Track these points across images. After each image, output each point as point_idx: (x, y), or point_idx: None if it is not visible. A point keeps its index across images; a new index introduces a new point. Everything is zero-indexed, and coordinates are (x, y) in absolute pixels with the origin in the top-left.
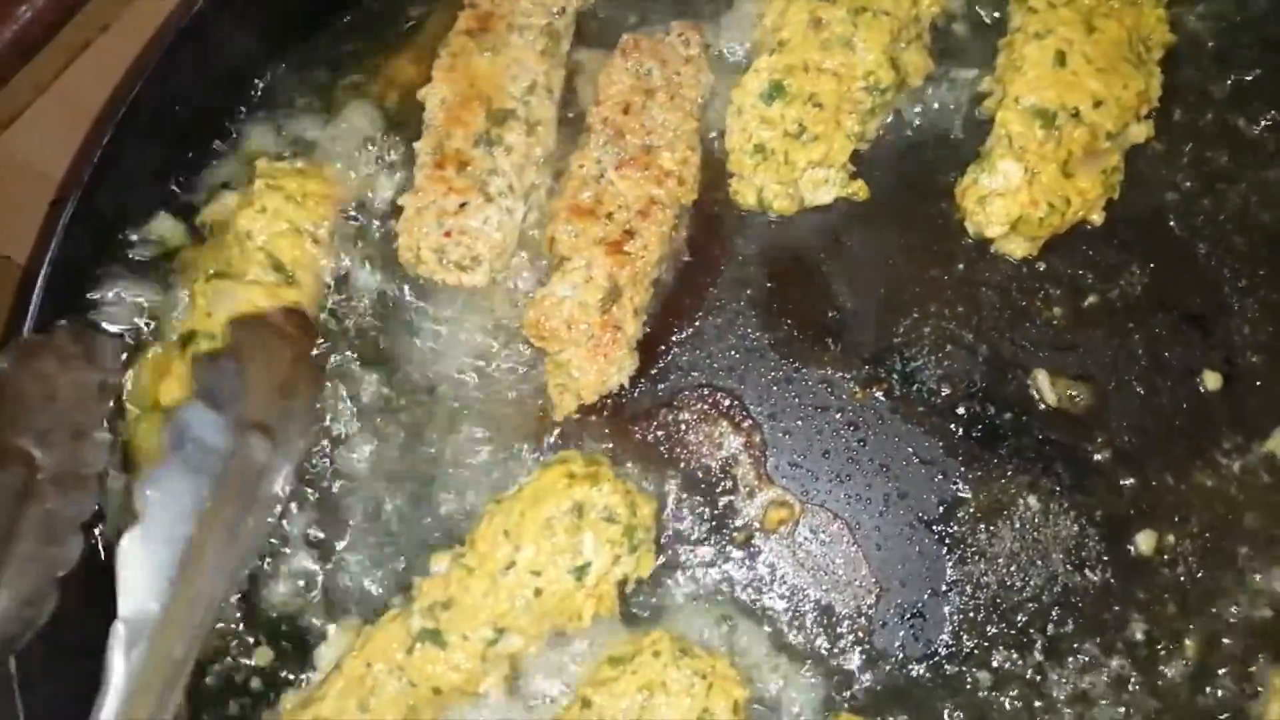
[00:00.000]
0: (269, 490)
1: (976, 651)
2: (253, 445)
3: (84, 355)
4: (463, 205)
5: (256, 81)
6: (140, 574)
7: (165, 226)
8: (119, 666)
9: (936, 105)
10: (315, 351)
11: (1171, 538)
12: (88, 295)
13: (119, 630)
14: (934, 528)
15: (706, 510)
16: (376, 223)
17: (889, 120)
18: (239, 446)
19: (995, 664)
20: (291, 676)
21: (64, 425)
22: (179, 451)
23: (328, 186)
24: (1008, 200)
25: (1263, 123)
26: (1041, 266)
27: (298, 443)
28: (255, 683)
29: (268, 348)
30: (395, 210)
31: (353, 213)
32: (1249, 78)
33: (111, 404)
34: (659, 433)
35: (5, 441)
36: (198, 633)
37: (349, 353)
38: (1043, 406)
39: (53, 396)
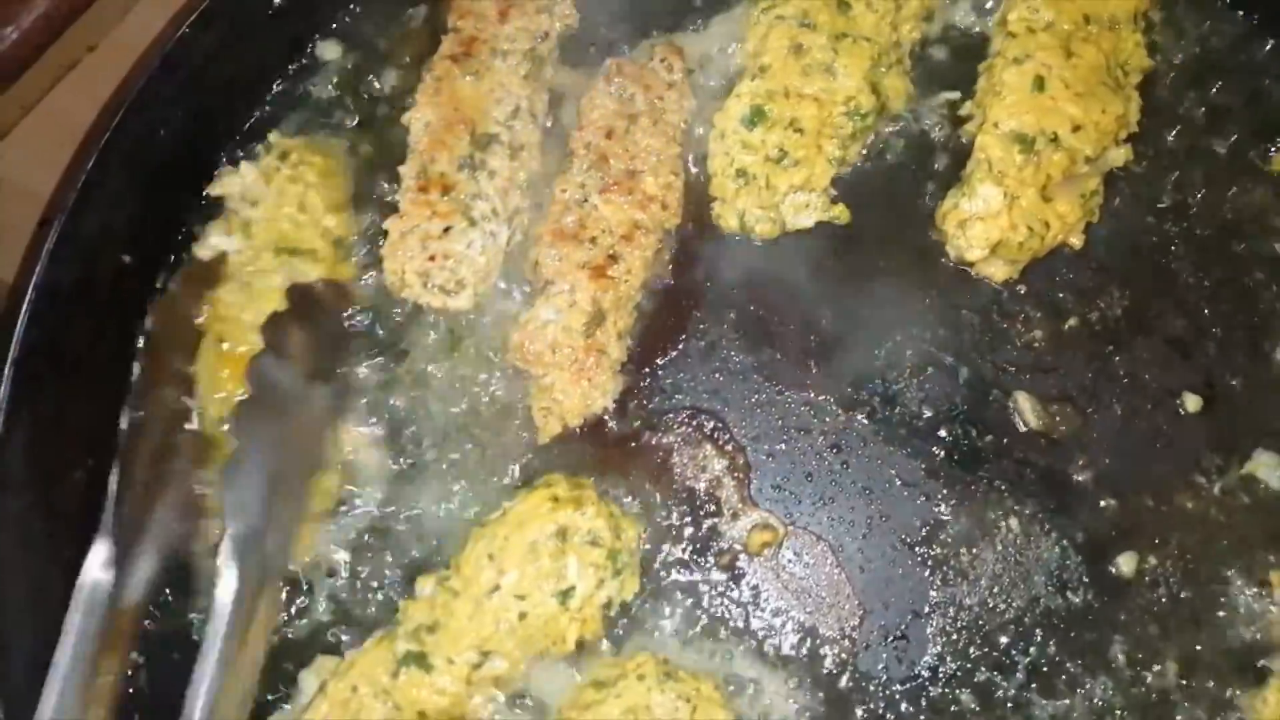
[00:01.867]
0: (331, 431)
1: (960, 673)
2: (316, 390)
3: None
4: (447, 229)
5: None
6: (241, 496)
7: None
8: (232, 573)
9: (917, 130)
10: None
11: (1153, 559)
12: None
13: (228, 544)
14: (917, 550)
15: (691, 533)
16: None
17: (870, 145)
18: (305, 391)
19: (978, 685)
20: (271, 697)
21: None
22: (259, 393)
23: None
24: (988, 224)
25: (1238, 146)
26: (1022, 290)
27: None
28: None
29: (318, 310)
30: (380, 234)
31: None
32: (1224, 101)
33: None
34: (643, 456)
35: (169, 362)
36: (289, 543)
37: None
38: (1024, 429)
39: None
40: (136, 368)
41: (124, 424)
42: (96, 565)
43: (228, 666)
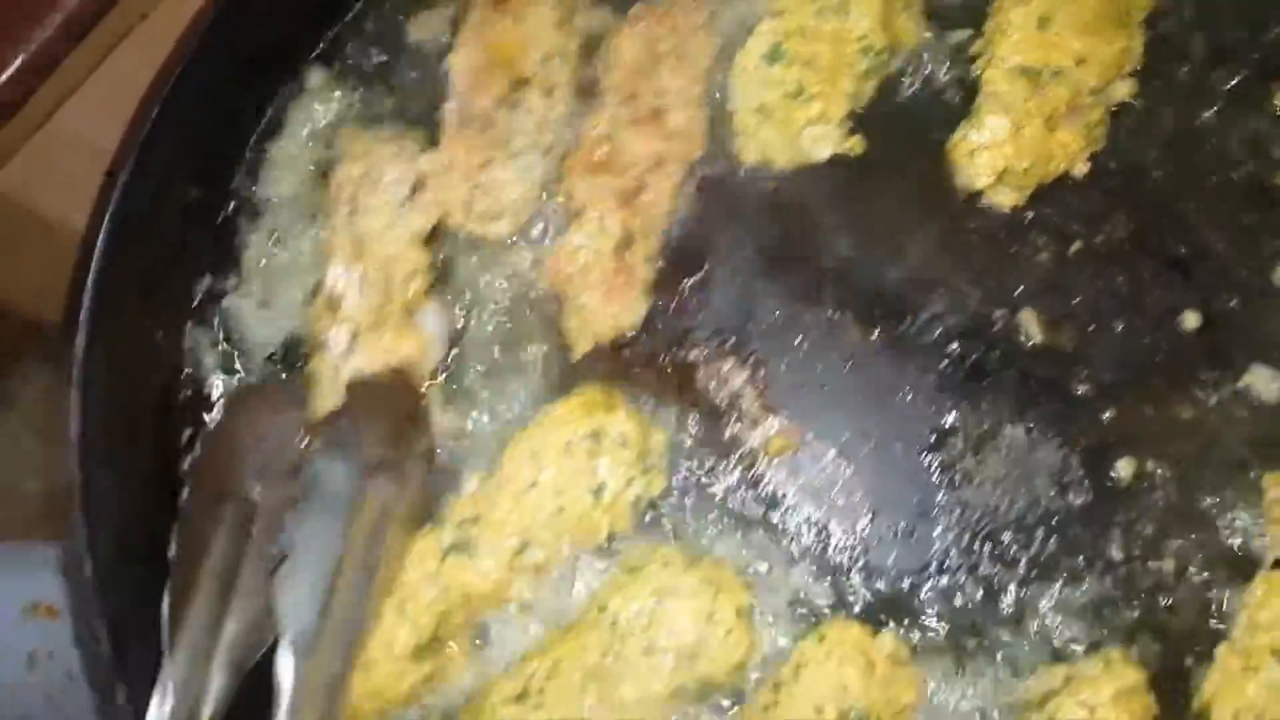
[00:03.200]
0: (395, 522)
1: (965, 567)
2: (377, 483)
3: (290, 399)
4: (486, 162)
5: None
6: (295, 600)
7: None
8: (287, 683)
9: (929, 67)
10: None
11: (1150, 464)
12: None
13: (283, 653)
14: (925, 455)
15: (713, 438)
16: None
17: (883, 82)
18: (363, 487)
19: (982, 577)
20: None
21: (275, 463)
22: (313, 497)
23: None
24: (994, 153)
25: (1240, 79)
26: (1029, 215)
27: (416, 478)
28: None
29: (379, 401)
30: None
31: None
32: (1228, 40)
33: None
34: (669, 369)
35: (226, 484)
36: (350, 649)
37: None
38: (1029, 344)
39: (264, 437)
40: (184, 491)
41: (172, 546)
42: (159, 700)
43: None
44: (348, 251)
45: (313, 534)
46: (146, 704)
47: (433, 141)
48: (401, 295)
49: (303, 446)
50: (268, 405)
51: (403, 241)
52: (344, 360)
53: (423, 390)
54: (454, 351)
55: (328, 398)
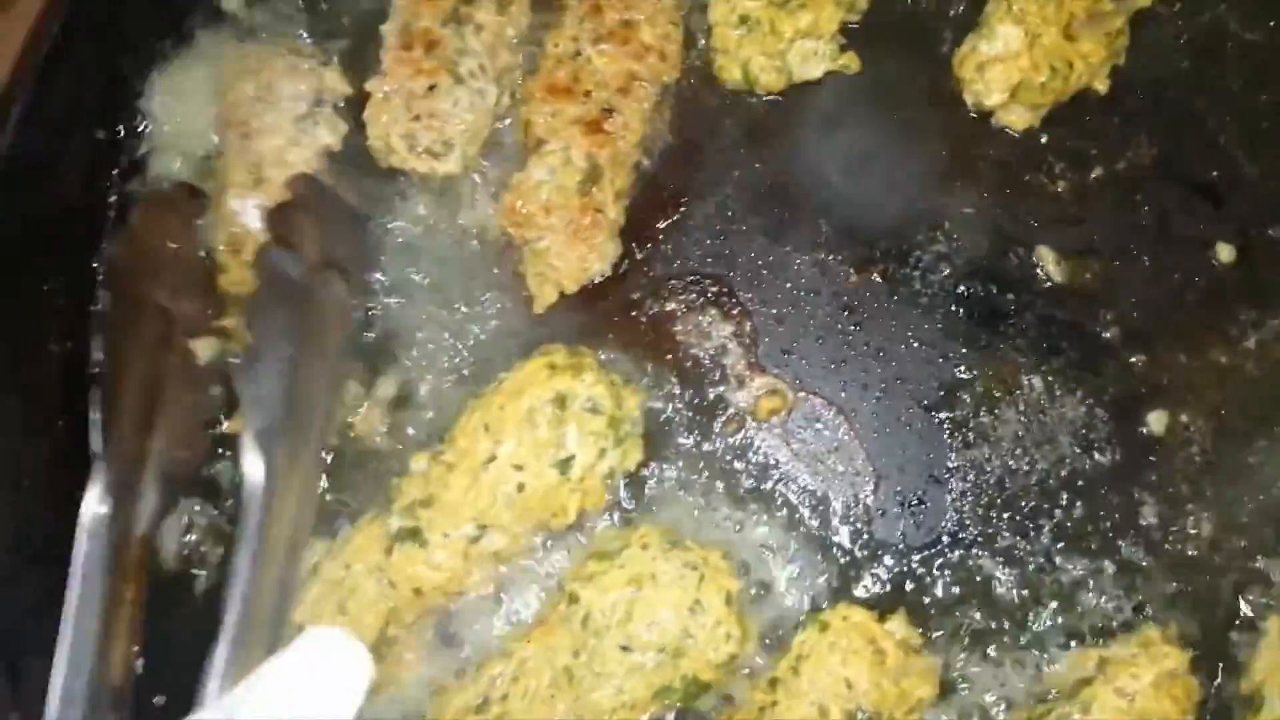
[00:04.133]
0: (349, 319)
1: (981, 539)
2: (329, 279)
3: (202, 205)
4: (431, 88)
5: None
6: (258, 392)
7: None
8: (257, 468)
9: None
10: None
11: (1184, 417)
12: None
13: (249, 440)
14: (934, 413)
15: (696, 401)
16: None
17: None
18: (317, 280)
19: (1001, 550)
20: None
21: (191, 278)
22: (270, 286)
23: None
24: (1007, 65)
25: None
26: (1044, 139)
27: (362, 279)
28: None
29: (322, 200)
30: (361, 98)
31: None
32: None
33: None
34: (644, 323)
35: (143, 295)
36: (321, 436)
37: None
38: (1048, 284)
39: (178, 252)
40: (101, 297)
41: (96, 354)
42: (94, 499)
43: (265, 558)
44: (244, 180)
45: (271, 323)
46: None
47: (327, 54)
48: None
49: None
50: (178, 213)
51: (305, 162)
52: None
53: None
54: (392, 308)
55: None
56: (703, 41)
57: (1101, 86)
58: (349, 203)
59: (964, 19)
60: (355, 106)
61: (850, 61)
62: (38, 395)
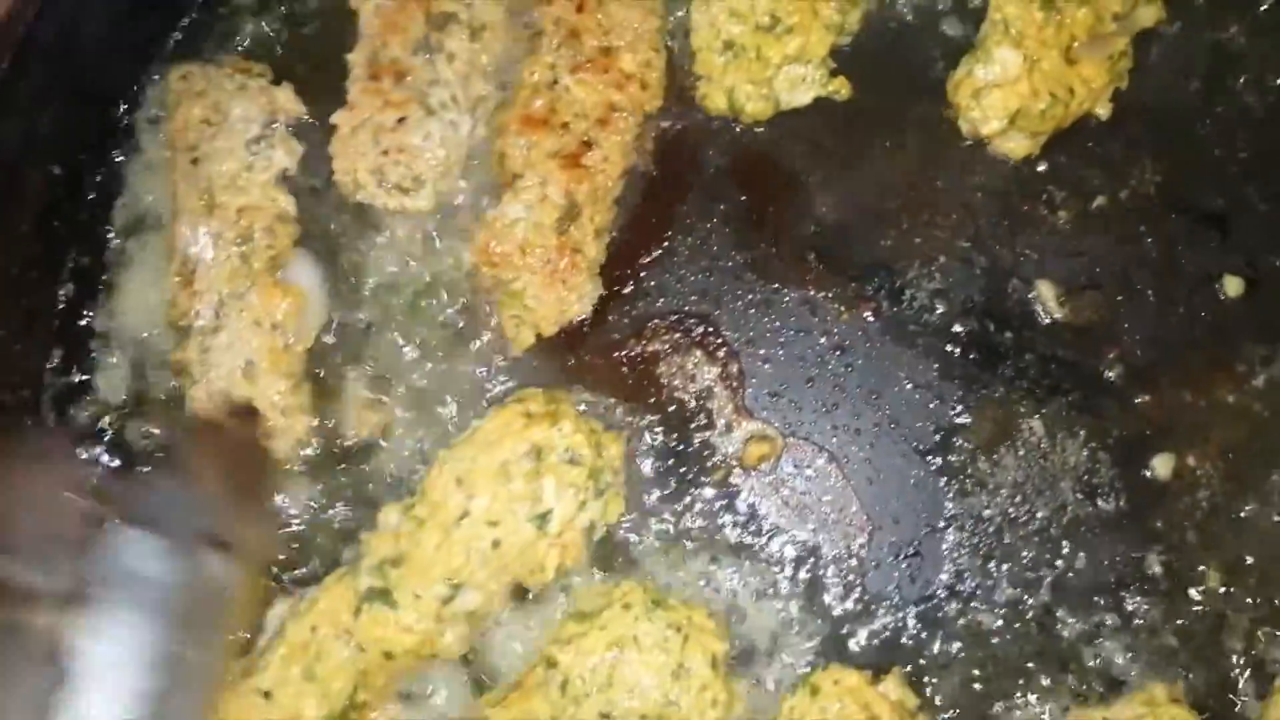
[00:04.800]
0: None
1: (980, 591)
2: (209, 564)
3: (66, 447)
4: (401, 120)
5: None
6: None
7: None
8: None
9: None
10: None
11: (1191, 460)
12: None
13: None
14: (930, 458)
15: (681, 449)
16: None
17: (872, 10)
18: (191, 570)
19: (1001, 604)
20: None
21: (50, 540)
22: (112, 586)
23: None
24: (1006, 91)
25: None
26: (1043, 167)
27: (260, 551)
28: None
29: (214, 450)
30: (328, 130)
31: None
32: None
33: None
34: (626, 366)
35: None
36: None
37: None
38: (1047, 321)
39: (34, 501)
40: None
41: None
42: None
43: None
44: (195, 207)
45: (113, 638)
46: None
47: (280, 74)
48: (265, 249)
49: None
50: (37, 459)
51: (260, 186)
52: (211, 338)
53: (264, 428)
54: (365, 351)
55: (200, 390)
56: (686, 68)
57: (1104, 111)
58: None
59: (959, 41)
60: (311, 130)
61: (840, 87)
62: None
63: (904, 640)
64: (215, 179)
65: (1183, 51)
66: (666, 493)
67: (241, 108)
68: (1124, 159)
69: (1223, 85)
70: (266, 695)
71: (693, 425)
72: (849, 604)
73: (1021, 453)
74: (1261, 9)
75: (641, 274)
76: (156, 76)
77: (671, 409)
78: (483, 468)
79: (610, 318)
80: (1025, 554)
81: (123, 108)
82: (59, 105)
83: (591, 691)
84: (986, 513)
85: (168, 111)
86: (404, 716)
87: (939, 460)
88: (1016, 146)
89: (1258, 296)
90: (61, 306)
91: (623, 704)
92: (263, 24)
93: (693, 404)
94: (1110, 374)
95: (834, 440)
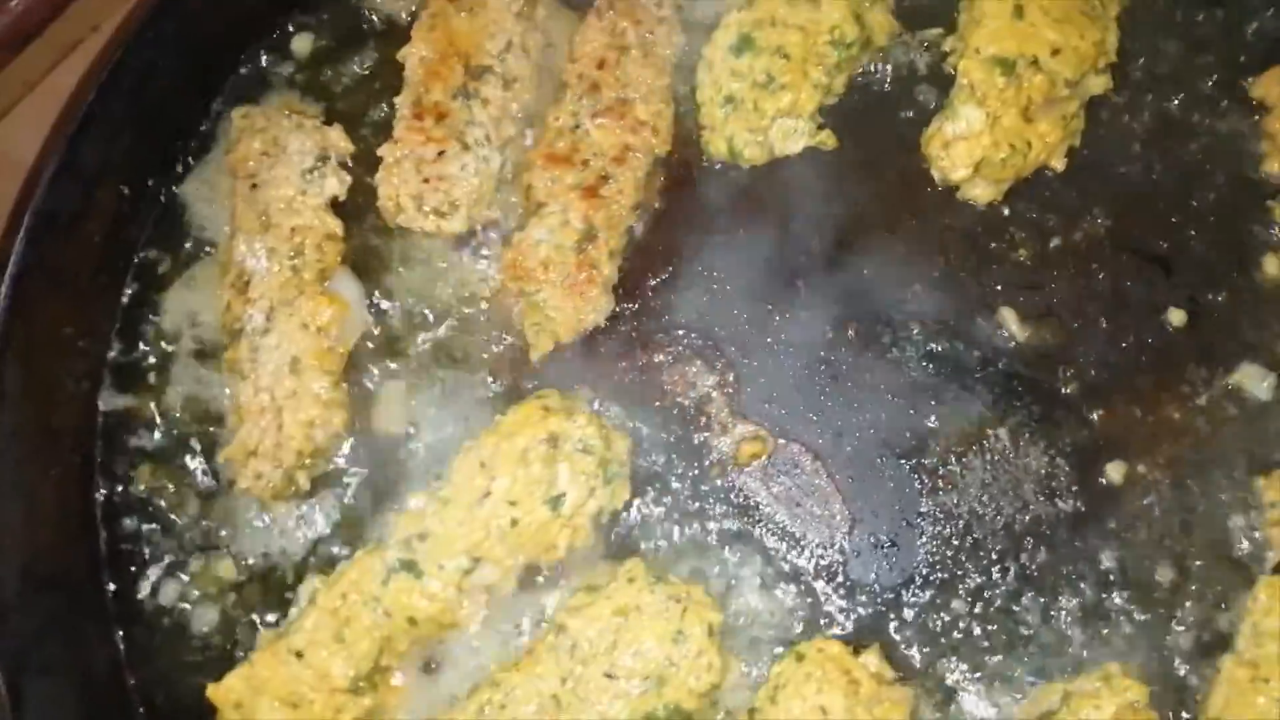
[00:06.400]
0: None
1: (950, 579)
2: None
3: None
4: (440, 154)
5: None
6: None
7: None
8: None
9: (903, 62)
10: None
11: (1141, 468)
12: None
13: None
14: (906, 460)
15: (681, 445)
16: None
17: (856, 76)
18: None
19: (969, 590)
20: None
21: None
22: None
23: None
24: (970, 143)
25: (1216, 77)
26: (1006, 211)
27: None
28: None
29: None
30: (374, 163)
31: None
32: (1203, 34)
33: None
34: (634, 373)
35: None
36: None
37: None
38: (1011, 343)
39: None
40: None
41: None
42: None
43: None
44: (252, 226)
45: None
46: None
47: (330, 117)
48: (314, 263)
49: None
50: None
51: (313, 209)
52: (261, 338)
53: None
54: (400, 354)
55: (247, 383)
56: (692, 118)
57: (1059, 164)
58: None
59: (931, 104)
60: (358, 162)
61: (827, 139)
62: (54, 435)
63: (882, 621)
64: (272, 202)
65: (1128, 115)
66: (668, 484)
67: (297, 143)
68: (1078, 206)
69: (1163, 144)
70: (299, 655)
71: (692, 425)
72: (832, 589)
73: (988, 457)
74: (1200, 84)
75: (649, 293)
76: (219, 113)
77: (674, 411)
78: (504, 453)
79: (621, 330)
80: (992, 547)
81: (189, 141)
82: (132, 134)
83: (598, 654)
84: (957, 509)
85: (230, 145)
86: (425, 682)
87: (914, 462)
88: (982, 193)
89: (1198, 327)
90: (124, 306)
91: (626, 665)
92: (319, 72)
93: (693, 407)
94: (1067, 390)
95: (820, 442)
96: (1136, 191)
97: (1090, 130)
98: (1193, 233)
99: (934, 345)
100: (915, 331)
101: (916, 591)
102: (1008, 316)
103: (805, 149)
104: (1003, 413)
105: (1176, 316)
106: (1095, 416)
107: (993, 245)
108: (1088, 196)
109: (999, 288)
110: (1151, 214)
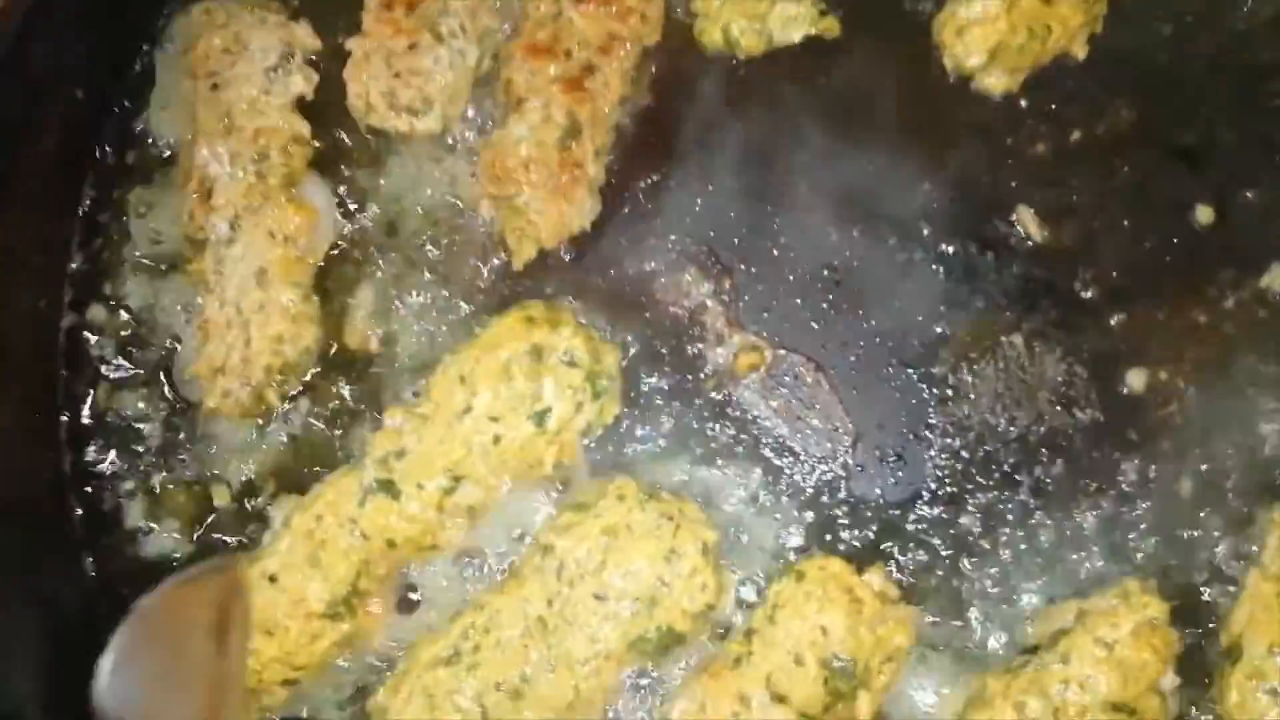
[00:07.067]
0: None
1: (960, 495)
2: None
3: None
4: (412, 46)
5: None
6: None
7: None
8: None
9: None
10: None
11: (1164, 374)
12: None
13: None
14: (914, 369)
15: (675, 359)
16: None
17: None
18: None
19: (980, 506)
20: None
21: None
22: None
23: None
24: (986, 28)
25: None
26: (1024, 103)
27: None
28: None
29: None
30: (343, 60)
31: None
32: None
33: None
34: (624, 281)
35: None
36: None
37: None
38: (1028, 243)
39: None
40: None
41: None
42: None
43: None
44: (214, 129)
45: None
46: None
47: (296, 11)
48: (281, 168)
49: None
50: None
51: (278, 109)
52: (226, 249)
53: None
54: (374, 263)
55: (212, 296)
56: (683, 4)
57: (1080, 52)
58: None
59: None
60: (326, 60)
61: (830, 26)
62: (13, 354)
63: (887, 539)
64: (234, 103)
65: None
66: (660, 398)
67: (260, 39)
68: (1100, 97)
69: (1192, 29)
70: (272, 579)
71: (686, 336)
72: (835, 506)
73: (1002, 365)
74: None
75: (640, 196)
76: (176, 8)
77: (666, 321)
78: (485, 367)
79: (609, 236)
80: (1005, 460)
81: (145, 41)
82: (84, 35)
83: (586, 574)
84: (967, 421)
85: (189, 42)
86: (403, 606)
87: (922, 371)
88: (997, 83)
89: (1227, 226)
90: (81, 218)
91: (616, 586)
92: None
93: (687, 317)
94: (1087, 294)
95: (822, 351)
96: (1162, 79)
97: (1113, 12)
98: (1221, 125)
99: (945, 247)
100: (925, 233)
101: (924, 507)
102: (1025, 216)
103: (806, 37)
104: (1018, 318)
105: (1204, 214)
106: (1116, 321)
107: (1009, 140)
108: (1110, 86)
109: (1015, 185)
110: (1179, 104)
